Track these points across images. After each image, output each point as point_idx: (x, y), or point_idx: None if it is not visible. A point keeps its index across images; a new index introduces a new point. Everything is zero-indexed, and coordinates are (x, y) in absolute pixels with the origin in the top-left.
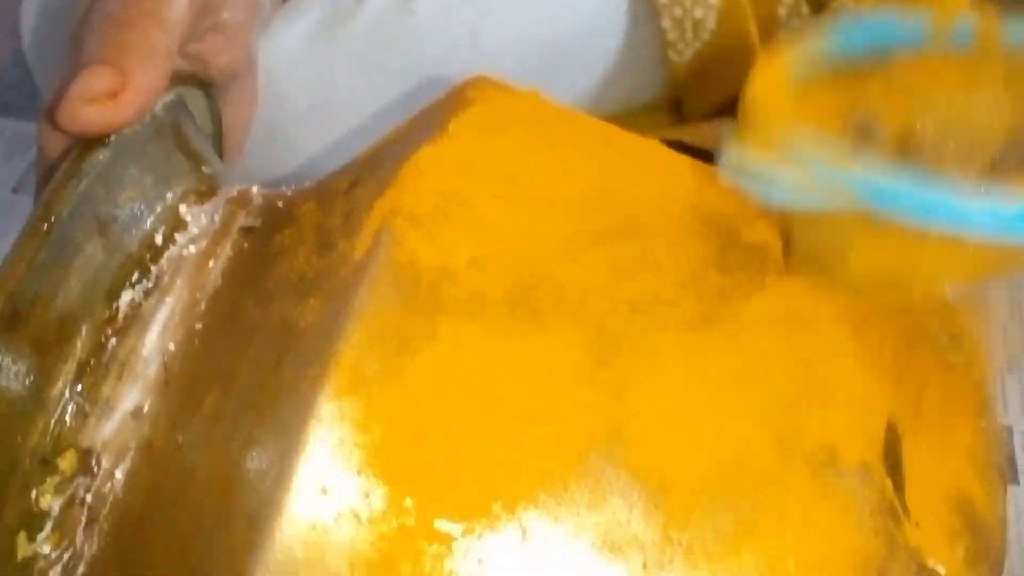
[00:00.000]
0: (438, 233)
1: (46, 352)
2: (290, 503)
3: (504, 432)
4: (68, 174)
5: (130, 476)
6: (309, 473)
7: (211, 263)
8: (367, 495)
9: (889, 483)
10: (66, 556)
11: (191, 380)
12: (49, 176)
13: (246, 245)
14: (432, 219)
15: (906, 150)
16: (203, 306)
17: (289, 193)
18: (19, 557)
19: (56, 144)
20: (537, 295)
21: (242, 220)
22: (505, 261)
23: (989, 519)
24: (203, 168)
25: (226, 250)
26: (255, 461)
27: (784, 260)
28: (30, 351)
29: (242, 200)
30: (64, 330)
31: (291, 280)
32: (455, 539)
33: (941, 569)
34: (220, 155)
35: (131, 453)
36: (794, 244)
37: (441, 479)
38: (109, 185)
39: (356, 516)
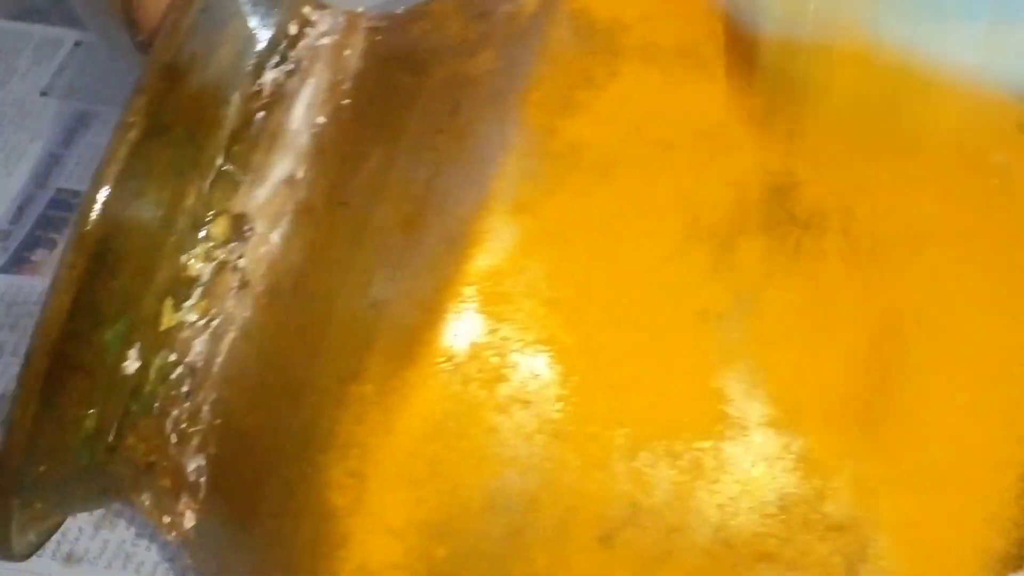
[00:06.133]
0: None
1: (201, 116)
2: (491, 218)
3: (690, 158)
4: None
5: (287, 238)
6: (508, 191)
7: (347, 52)
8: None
9: None
10: (215, 323)
11: (348, 145)
12: None
13: (379, 37)
14: None
15: None
16: (348, 85)
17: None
18: (163, 326)
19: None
20: (705, 48)
21: (366, 22)
22: (673, 20)
23: None
24: None
25: (359, 41)
26: (441, 195)
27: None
28: (188, 109)
29: (359, 13)
30: (218, 94)
31: (449, 46)
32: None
33: None
34: None
35: (288, 216)
36: (766, 68)
37: (633, 196)
38: None
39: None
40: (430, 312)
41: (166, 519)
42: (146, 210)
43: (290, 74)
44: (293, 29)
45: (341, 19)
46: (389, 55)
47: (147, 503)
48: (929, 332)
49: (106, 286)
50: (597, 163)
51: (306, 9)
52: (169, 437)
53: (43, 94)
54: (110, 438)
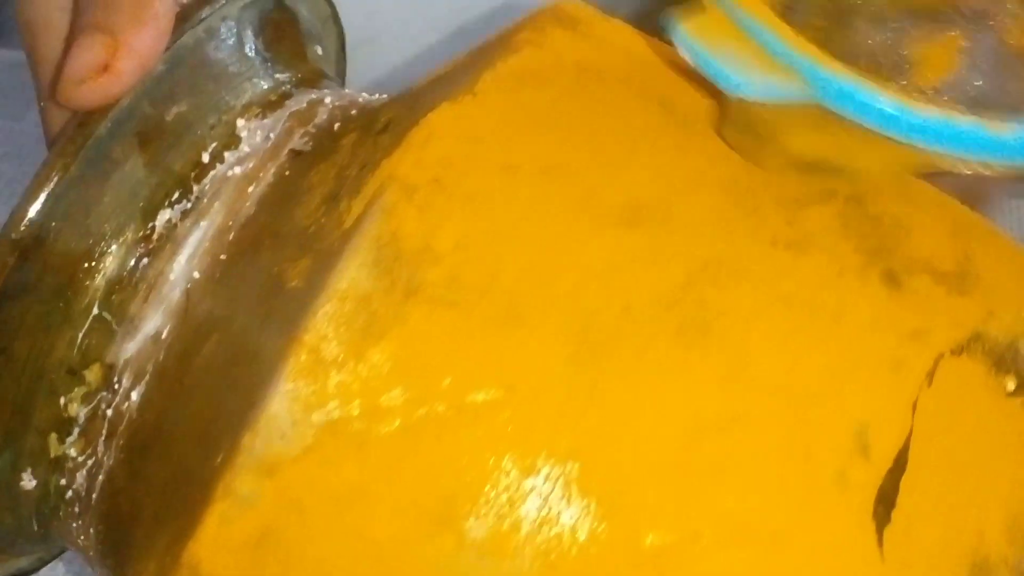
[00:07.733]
0: (430, 207)
1: (75, 268)
2: (235, 478)
3: (456, 432)
4: None
5: (144, 399)
6: (256, 449)
7: (251, 188)
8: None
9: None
10: (90, 463)
11: (202, 316)
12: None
13: (287, 173)
14: (428, 190)
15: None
16: (233, 235)
17: (353, 111)
18: (52, 455)
19: (61, 117)
20: (522, 285)
21: (295, 141)
22: (495, 244)
23: None
24: (278, 74)
25: (268, 176)
26: (226, 421)
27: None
28: (59, 266)
29: (307, 115)
30: (94, 248)
31: (300, 228)
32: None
33: None
34: (340, 35)
35: (147, 377)
36: (730, 117)
37: (387, 469)
38: (156, 100)
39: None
40: (165, 568)
41: None
42: (11, 365)
43: (185, 215)
44: (206, 158)
45: (275, 132)
46: (274, 212)
47: None
48: None
49: None
50: (349, 431)
51: (240, 122)
52: (77, 541)
53: None
54: (35, 527)
